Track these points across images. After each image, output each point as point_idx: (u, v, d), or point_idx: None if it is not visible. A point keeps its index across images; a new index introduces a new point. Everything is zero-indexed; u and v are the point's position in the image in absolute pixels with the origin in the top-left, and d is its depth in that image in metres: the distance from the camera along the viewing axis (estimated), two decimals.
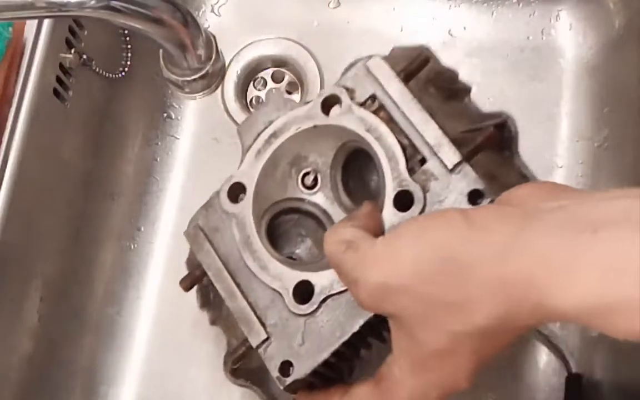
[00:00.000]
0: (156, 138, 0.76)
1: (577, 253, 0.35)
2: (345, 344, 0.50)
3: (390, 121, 0.53)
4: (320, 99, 0.55)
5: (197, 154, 0.76)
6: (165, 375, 0.70)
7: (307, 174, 0.57)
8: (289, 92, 0.77)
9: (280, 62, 0.78)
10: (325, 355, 0.50)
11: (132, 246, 0.73)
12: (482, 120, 0.55)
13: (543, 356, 0.67)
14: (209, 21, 0.79)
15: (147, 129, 0.76)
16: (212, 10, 0.79)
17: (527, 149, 0.73)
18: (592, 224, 0.35)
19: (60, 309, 0.67)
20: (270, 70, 0.78)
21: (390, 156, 0.52)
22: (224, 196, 0.55)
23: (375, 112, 0.53)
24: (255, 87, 0.78)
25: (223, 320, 0.58)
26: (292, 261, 0.56)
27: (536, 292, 0.36)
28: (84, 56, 0.67)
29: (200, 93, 0.76)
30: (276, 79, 0.78)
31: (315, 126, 0.55)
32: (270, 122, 0.56)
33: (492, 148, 0.52)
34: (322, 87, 0.76)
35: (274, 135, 0.55)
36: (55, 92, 0.65)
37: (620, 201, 0.36)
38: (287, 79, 0.78)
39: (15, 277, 0.63)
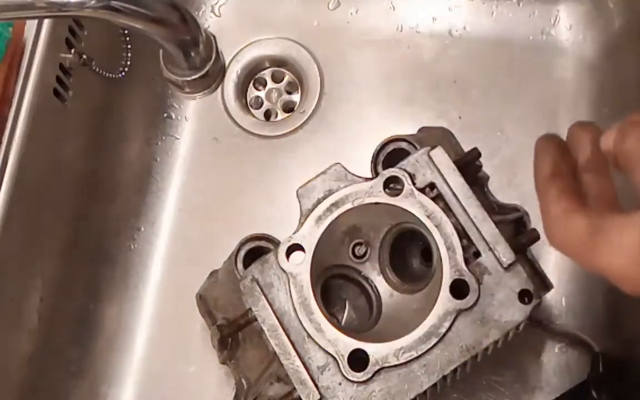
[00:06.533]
0: (156, 138, 0.76)
1: None
2: None
3: (447, 210, 0.57)
4: (383, 179, 0.58)
5: (197, 154, 0.76)
6: (165, 375, 0.70)
7: (358, 244, 0.61)
8: (289, 92, 0.77)
9: (280, 62, 0.78)
10: None
11: (132, 246, 0.73)
12: (499, 211, 0.60)
13: (544, 356, 0.67)
14: (209, 21, 0.79)
15: (147, 129, 0.76)
16: (212, 10, 0.79)
17: (528, 149, 0.73)
18: None
19: (60, 309, 0.67)
20: (270, 70, 0.78)
21: (448, 245, 0.56)
22: (282, 255, 0.57)
23: (433, 200, 0.57)
24: (255, 87, 0.78)
25: (235, 362, 0.61)
26: (346, 327, 0.60)
27: None
28: (84, 56, 0.67)
29: (200, 93, 0.76)
30: (276, 79, 0.78)
31: (377, 203, 0.58)
32: (330, 191, 0.59)
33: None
34: (322, 87, 0.76)
35: (336, 204, 0.58)
36: (55, 92, 0.65)
37: None
38: (287, 79, 0.78)
39: (15, 277, 0.63)
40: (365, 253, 0.61)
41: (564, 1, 0.75)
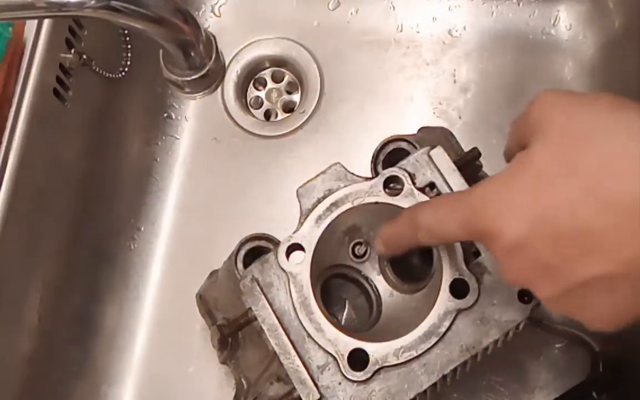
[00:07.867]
0: (156, 138, 0.76)
1: None
2: None
3: None
4: (383, 178, 0.58)
5: (197, 154, 0.76)
6: (165, 375, 0.70)
7: (358, 244, 0.61)
8: (289, 92, 0.78)
9: (280, 62, 0.78)
10: None
11: (132, 246, 0.73)
12: None
13: (544, 356, 0.67)
14: (209, 21, 0.79)
15: (147, 129, 0.76)
16: (212, 10, 0.79)
17: None
18: None
19: (60, 309, 0.67)
20: (270, 70, 0.78)
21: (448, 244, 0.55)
22: (282, 255, 0.57)
23: None
24: (255, 87, 0.78)
25: (235, 362, 0.61)
26: (346, 327, 0.60)
27: None
28: (84, 56, 0.67)
29: (200, 93, 0.76)
30: (276, 79, 0.78)
31: (377, 203, 0.58)
32: (330, 191, 0.59)
33: None
34: (322, 87, 0.76)
35: (335, 204, 0.59)
36: (55, 92, 0.65)
37: None
38: (287, 79, 0.78)
39: (15, 277, 0.63)
40: (365, 253, 0.61)
41: (564, 1, 0.75)
